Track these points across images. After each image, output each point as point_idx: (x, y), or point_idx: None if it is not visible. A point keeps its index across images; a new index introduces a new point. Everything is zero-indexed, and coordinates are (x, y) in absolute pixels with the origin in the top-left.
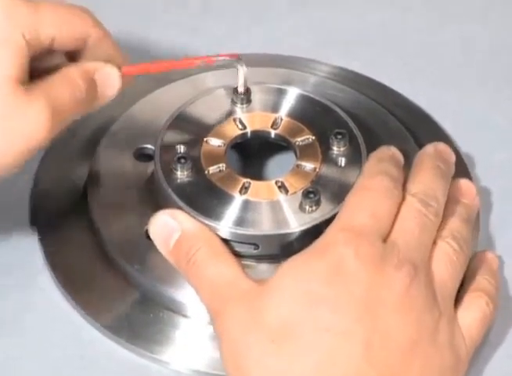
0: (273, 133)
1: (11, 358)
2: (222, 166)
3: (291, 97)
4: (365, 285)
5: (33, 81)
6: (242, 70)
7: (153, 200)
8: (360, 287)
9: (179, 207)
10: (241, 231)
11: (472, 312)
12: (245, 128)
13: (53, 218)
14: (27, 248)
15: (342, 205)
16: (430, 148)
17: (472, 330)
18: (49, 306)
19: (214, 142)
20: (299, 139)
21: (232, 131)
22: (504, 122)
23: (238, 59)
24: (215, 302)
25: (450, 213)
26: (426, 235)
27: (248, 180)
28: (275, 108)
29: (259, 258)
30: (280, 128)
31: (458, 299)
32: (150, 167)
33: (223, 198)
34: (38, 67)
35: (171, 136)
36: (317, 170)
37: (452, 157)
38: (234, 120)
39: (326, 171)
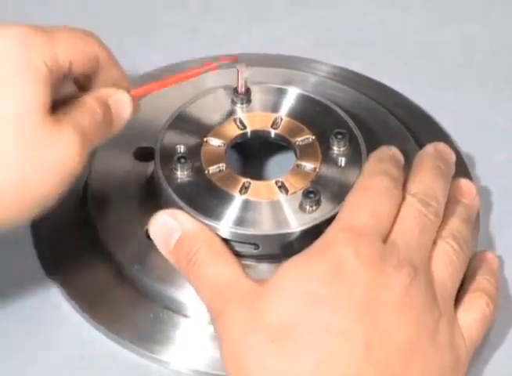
0: (273, 133)
1: (11, 358)
2: (222, 166)
3: (291, 97)
4: (365, 285)
5: (54, 109)
6: (242, 72)
7: (153, 200)
8: (360, 287)
9: (179, 207)
10: (241, 231)
11: (472, 313)
12: (245, 128)
13: (53, 219)
14: (27, 248)
15: (342, 205)
16: (430, 148)
17: (472, 330)
18: (49, 306)
19: (214, 142)
20: (299, 139)
21: (232, 131)
22: (504, 122)
23: (238, 61)
24: (216, 302)
25: (450, 213)
26: (426, 235)
27: (248, 180)
28: (275, 108)
29: (259, 258)
30: (280, 127)
31: (458, 299)
32: (150, 167)
33: (223, 198)
34: (53, 97)
35: (171, 136)
36: (317, 170)
37: (453, 157)
38: (234, 120)
39: (326, 171)
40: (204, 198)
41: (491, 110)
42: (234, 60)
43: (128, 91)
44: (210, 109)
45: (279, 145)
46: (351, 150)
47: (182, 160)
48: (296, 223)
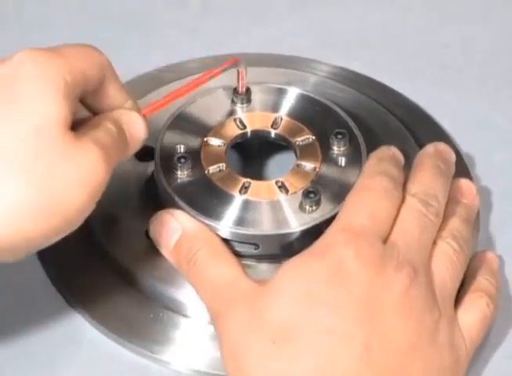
0: (273, 133)
1: (11, 358)
2: (222, 166)
3: (291, 97)
4: (365, 285)
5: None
6: (242, 72)
7: (153, 200)
8: (360, 287)
9: (179, 207)
10: (241, 231)
11: (472, 313)
12: (245, 127)
13: None
14: None
15: (342, 205)
16: (430, 148)
17: (472, 330)
18: (49, 306)
19: (214, 141)
20: (299, 139)
21: (232, 131)
22: (504, 122)
23: (238, 62)
24: (216, 303)
25: (450, 213)
26: (426, 236)
27: (248, 180)
28: (275, 108)
29: (259, 258)
30: (280, 127)
31: (458, 299)
32: (150, 167)
33: (223, 198)
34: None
35: (171, 136)
36: (317, 170)
37: (453, 157)
38: (234, 120)
39: (326, 171)
40: (204, 198)
41: (491, 110)
42: (234, 62)
43: (139, 111)
44: (210, 109)
45: (279, 145)
46: (351, 149)
47: (182, 160)
48: (296, 223)
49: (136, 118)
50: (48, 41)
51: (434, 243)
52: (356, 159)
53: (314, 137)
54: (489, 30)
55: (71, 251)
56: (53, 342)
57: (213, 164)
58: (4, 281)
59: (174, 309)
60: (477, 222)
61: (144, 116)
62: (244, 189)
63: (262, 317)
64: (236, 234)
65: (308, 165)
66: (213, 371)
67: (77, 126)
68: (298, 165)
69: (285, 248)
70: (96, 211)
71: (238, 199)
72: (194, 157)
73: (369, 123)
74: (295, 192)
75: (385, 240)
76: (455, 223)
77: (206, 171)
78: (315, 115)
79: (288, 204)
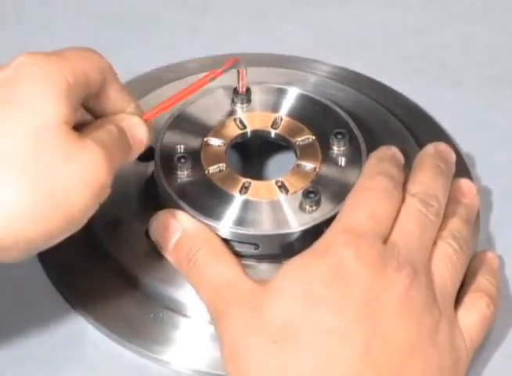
0: (273, 133)
1: (11, 358)
2: (222, 166)
3: (291, 97)
4: (365, 286)
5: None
6: (242, 72)
7: (153, 200)
8: (360, 287)
9: (179, 207)
10: (241, 231)
11: (472, 313)
12: (245, 127)
13: None
14: None
15: (342, 206)
16: (430, 148)
17: (472, 331)
18: (49, 307)
19: (214, 141)
20: (299, 139)
21: (232, 131)
22: (504, 122)
23: (238, 62)
24: (216, 303)
25: (450, 213)
26: (426, 236)
27: (248, 180)
28: (275, 108)
29: (259, 258)
30: (280, 127)
31: (458, 300)
32: (150, 167)
33: (223, 198)
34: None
35: (171, 136)
36: (317, 170)
37: (453, 157)
38: (234, 120)
39: (326, 171)
40: (204, 198)
41: (491, 110)
42: (235, 62)
43: (141, 115)
44: (210, 109)
45: (279, 145)
46: (351, 149)
47: (182, 160)
48: (296, 223)
49: (138, 122)
50: (48, 41)
51: (434, 243)
52: (356, 159)
53: (314, 137)
54: (489, 30)
55: (71, 251)
56: (53, 343)
57: (213, 164)
58: (4, 282)
59: (174, 309)
60: (477, 222)
61: (146, 120)
62: (244, 189)
63: (262, 317)
64: (236, 234)
65: (308, 165)
66: (213, 371)
67: (79, 130)
68: (298, 165)
69: (285, 248)
70: (96, 211)
71: (238, 199)
72: (194, 157)
73: (369, 123)
74: (295, 192)
75: (385, 241)
76: (455, 223)
77: (206, 171)
78: (315, 115)
79: (288, 204)
